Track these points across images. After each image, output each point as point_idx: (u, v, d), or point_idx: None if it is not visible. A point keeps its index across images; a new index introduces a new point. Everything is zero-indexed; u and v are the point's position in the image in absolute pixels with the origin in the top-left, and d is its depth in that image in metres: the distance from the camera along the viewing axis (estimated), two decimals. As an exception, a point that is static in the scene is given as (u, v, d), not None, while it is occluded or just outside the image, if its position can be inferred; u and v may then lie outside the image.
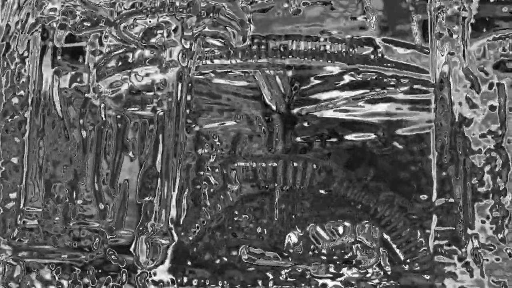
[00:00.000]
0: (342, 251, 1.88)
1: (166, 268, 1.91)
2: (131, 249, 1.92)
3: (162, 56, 1.96)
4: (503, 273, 1.84)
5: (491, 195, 1.87)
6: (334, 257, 1.88)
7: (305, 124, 1.99)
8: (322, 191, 1.94)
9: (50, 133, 2.06)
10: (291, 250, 1.90)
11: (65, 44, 2.09)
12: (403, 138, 1.96)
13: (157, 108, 1.94)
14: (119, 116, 2.05)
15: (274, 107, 1.99)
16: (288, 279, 1.88)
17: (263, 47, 1.93)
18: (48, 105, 2.07)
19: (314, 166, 1.93)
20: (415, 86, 1.95)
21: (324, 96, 1.98)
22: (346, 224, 1.89)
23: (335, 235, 1.89)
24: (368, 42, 1.94)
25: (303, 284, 1.88)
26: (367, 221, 1.89)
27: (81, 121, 2.05)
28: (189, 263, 1.92)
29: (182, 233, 1.93)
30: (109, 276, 1.94)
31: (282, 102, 1.98)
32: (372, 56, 1.93)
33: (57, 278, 1.97)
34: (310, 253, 1.89)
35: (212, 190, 1.97)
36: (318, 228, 1.90)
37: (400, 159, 1.95)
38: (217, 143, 1.99)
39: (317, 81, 1.97)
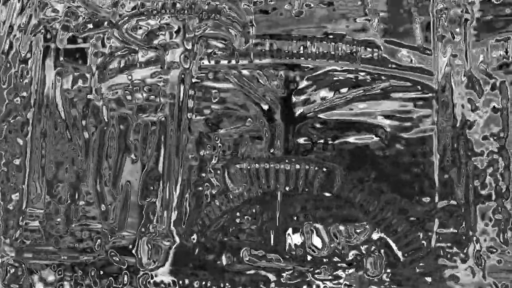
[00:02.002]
0: (342, 253, 1.88)
1: (167, 270, 1.91)
2: (134, 251, 1.93)
3: (164, 57, 1.96)
4: (505, 276, 1.84)
5: (493, 197, 1.86)
6: (335, 259, 1.88)
7: (308, 126, 1.99)
8: (324, 193, 1.93)
9: (52, 134, 2.06)
10: (293, 252, 1.90)
11: (67, 45, 2.09)
12: (405, 140, 1.96)
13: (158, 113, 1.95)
14: (121, 117, 2.05)
15: (266, 107, 1.99)
16: (289, 281, 1.88)
17: (264, 47, 1.94)
18: (50, 106, 2.07)
19: (316, 168, 1.93)
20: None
21: (321, 95, 1.97)
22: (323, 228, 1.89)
23: (326, 242, 1.89)
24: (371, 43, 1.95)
25: (304, 286, 1.88)
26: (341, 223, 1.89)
27: (83, 122, 2.06)
28: (190, 265, 1.93)
29: (184, 235, 1.93)
30: (111, 278, 1.94)
31: (278, 103, 1.98)
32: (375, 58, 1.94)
33: (58, 279, 1.97)
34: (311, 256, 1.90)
35: (214, 192, 1.97)
36: (314, 236, 1.90)
37: (402, 161, 1.94)
38: (219, 144, 1.99)
39: (310, 81, 1.97)
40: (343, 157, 1.96)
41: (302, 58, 1.94)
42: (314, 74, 1.95)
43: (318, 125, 1.99)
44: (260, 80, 1.97)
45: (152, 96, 2.00)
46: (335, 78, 1.95)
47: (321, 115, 1.99)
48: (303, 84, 1.97)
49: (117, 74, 2.03)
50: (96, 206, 2.02)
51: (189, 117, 1.95)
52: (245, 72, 1.97)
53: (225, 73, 1.97)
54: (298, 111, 1.98)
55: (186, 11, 1.93)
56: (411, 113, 1.95)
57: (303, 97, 1.97)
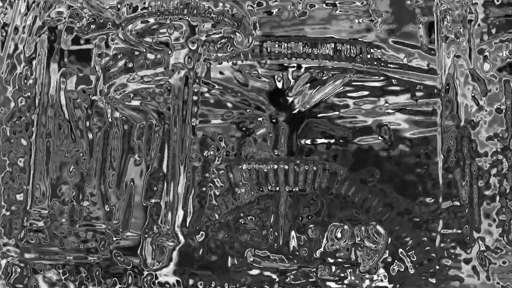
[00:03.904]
0: (346, 253, 1.88)
1: (171, 270, 1.92)
2: (138, 251, 1.93)
3: (168, 58, 1.97)
4: (509, 276, 1.84)
5: (497, 198, 1.86)
6: (339, 260, 1.88)
7: (311, 126, 1.99)
8: (328, 194, 1.94)
9: (56, 135, 2.07)
10: (297, 253, 1.91)
11: (72, 46, 2.09)
12: (409, 140, 1.96)
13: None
14: (124, 118, 2.05)
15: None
16: (293, 281, 1.89)
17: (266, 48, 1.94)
18: (55, 107, 2.07)
19: (320, 168, 1.93)
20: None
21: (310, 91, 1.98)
22: (345, 227, 1.89)
23: (334, 239, 1.89)
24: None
25: (308, 287, 1.88)
26: (367, 223, 1.89)
27: (87, 123, 2.06)
28: (194, 265, 1.93)
29: (188, 235, 1.93)
30: (115, 278, 1.95)
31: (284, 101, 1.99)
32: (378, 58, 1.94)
33: (63, 279, 1.98)
34: (315, 255, 1.90)
35: (218, 192, 1.97)
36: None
37: (406, 162, 1.94)
38: (223, 145, 1.99)
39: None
40: (346, 158, 1.96)
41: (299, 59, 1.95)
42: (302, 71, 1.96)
43: (321, 126, 1.99)
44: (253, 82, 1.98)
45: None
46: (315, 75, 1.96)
47: (322, 116, 1.99)
48: (295, 82, 1.97)
49: (122, 75, 2.04)
50: (100, 206, 2.03)
51: (193, 123, 1.96)
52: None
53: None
54: (295, 109, 1.98)
55: (191, 13, 1.94)
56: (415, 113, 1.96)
57: (296, 95, 1.98)
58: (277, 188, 1.93)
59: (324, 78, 1.94)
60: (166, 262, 1.92)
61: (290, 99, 1.98)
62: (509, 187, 1.86)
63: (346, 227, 1.88)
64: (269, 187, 1.93)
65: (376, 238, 1.87)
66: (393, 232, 1.89)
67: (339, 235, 1.88)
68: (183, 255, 1.92)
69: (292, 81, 1.96)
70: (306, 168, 1.92)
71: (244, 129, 2.00)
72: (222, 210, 1.95)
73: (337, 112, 1.98)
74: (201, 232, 1.93)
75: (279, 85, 1.97)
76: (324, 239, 1.89)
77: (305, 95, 1.96)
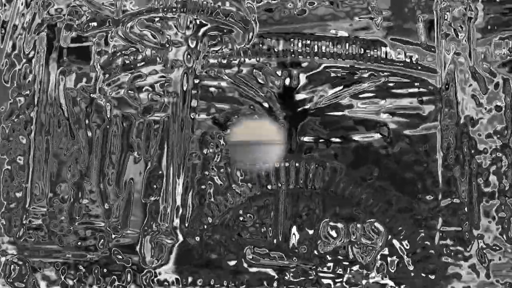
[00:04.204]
0: (342, 252, 1.88)
1: (171, 268, 1.91)
2: (137, 249, 1.93)
3: (167, 55, 1.97)
4: (508, 274, 1.84)
5: (497, 195, 1.86)
6: (338, 257, 1.88)
7: (311, 124, 1.99)
8: (327, 191, 1.94)
9: (56, 133, 2.06)
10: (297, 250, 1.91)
11: (71, 44, 2.09)
12: (408, 138, 1.96)
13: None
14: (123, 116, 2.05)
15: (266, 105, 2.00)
16: (293, 279, 1.89)
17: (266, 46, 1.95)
18: (53, 105, 2.07)
19: (319, 166, 1.93)
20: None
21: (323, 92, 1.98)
22: (339, 225, 1.89)
23: (329, 238, 1.89)
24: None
25: (306, 284, 1.88)
26: (364, 221, 1.89)
27: (86, 121, 2.06)
28: (194, 263, 1.93)
29: (187, 233, 1.93)
30: (114, 276, 1.95)
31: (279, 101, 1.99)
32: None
33: (62, 277, 1.98)
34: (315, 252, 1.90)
35: (217, 190, 1.97)
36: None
37: (406, 159, 1.94)
38: (222, 142, 1.99)
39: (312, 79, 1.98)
40: (346, 155, 1.97)
41: (302, 57, 1.95)
42: (315, 71, 1.96)
43: (321, 123, 1.99)
44: (258, 79, 1.98)
45: (156, 96, 2.00)
46: (335, 75, 1.96)
47: (324, 113, 1.99)
48: (305, 81, 1.97)
49: (120, 72, 2.03)
50: (99, 204, 2.03)
51: (192, 117, 1.96)
52: (243, 71, 1.98)
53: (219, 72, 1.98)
54: (302, 107, 1.98)
55: (192, 11, 1.94)
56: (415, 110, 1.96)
57: (305, 94, 1.98)
58: (287, 186, 1.93)
59: (355, 78, 1.95)
60: (165, 259, 1.92)
61: (299, 97, 1.98)
62: (509, 184, 1.86)
63: (340, 225, 1.89)
64: (278, 185, 1.94)
65: (373, 235, 1.87)
66: (393, 230, 1.89)
67: (334, 234, 1.88)
68: (182, 253, 1.92)
69: (305, 79, 1.96)
70: (304, 166, 1.92)
71: (217, 122, 2.00)
72: (215, 213, 1.95)
73: (342, 112, 1.99)
74: (197, 236, 1.93)
75: (288, 82, 1.98)
76: (319, 239, 1.89)
77: (319, 94, 1.96)
